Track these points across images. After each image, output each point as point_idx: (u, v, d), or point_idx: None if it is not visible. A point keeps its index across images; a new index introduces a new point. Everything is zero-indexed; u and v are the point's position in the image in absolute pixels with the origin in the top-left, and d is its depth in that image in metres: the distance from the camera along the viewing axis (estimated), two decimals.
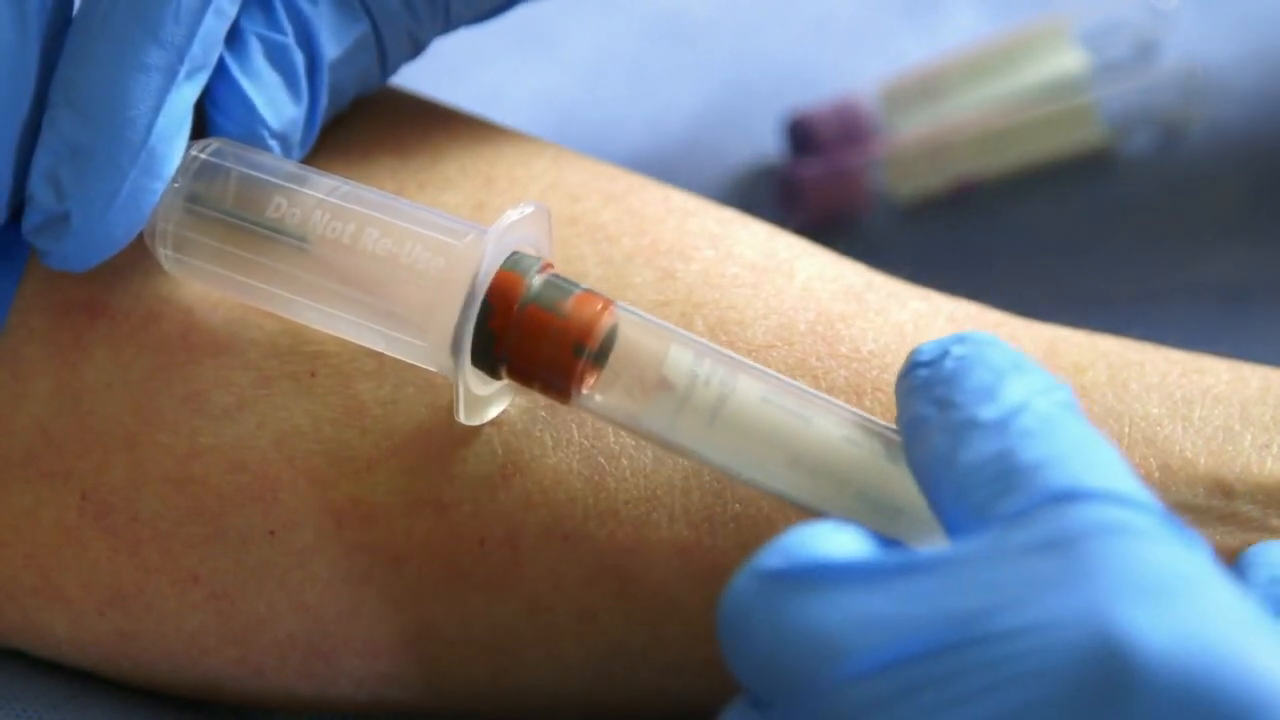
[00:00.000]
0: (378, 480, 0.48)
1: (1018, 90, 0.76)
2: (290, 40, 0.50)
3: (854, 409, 0.44)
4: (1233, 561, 0.47)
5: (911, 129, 0.76)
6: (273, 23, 0.49)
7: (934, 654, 0.36)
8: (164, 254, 0.48)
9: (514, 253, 0.46)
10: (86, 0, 0.47)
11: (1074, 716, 0.35)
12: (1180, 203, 0.75)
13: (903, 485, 0.43)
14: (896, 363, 0.49)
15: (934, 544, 0.41)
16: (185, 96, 0.47)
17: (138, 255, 0.49)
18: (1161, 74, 0.77)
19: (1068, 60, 0.77)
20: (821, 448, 0.44)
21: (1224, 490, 0.48)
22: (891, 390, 0.47)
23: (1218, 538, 0.48)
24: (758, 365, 0.45)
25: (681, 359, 0.45)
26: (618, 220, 0.52)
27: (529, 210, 0.47)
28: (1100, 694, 0.35)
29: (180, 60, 0.47)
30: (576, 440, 0.48)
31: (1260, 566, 0.45)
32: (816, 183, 0.75)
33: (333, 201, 0.47)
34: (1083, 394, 0.50)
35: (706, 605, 0.48)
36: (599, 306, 0.46)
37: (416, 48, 0.53)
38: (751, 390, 0.44)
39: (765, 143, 0.78)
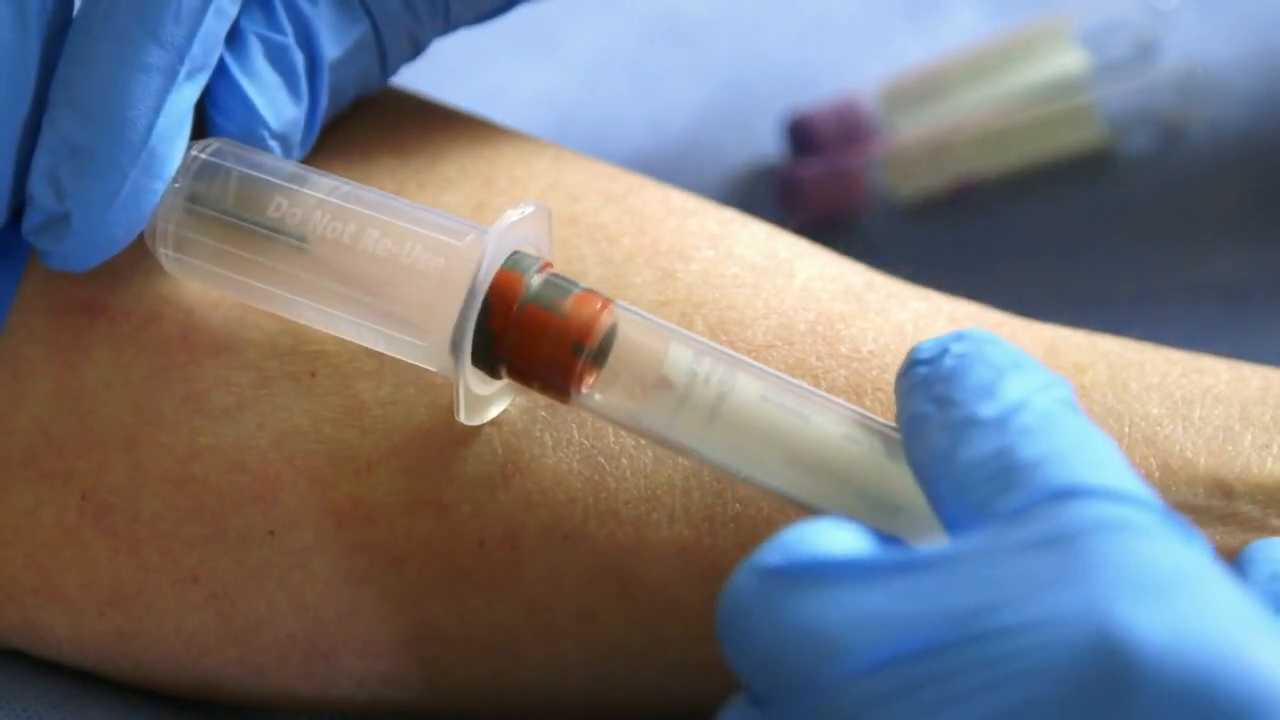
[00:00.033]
0: (378, 480, 0.48)
1: (1018, 90, 0.76)
2: (290, 40, 0.50)
3: (853, 407, 0.45)
4: (1233, 560, 0.47)
5: (911, 129, 0.76)
6: (273, 23, 0.49)
7: (933, 651, 0.36)
8: (164, 254, 0.48)
9: (514, 252, 0.46)
10: (87, 0, 0.47)
11: (1074, 713, 0.35)
12: (1180, 203, 0.75)
13: (902, 483, 0.43)
14: (896, 362, 0.49)
15: (933, 542, 0.41)
16: (185, 96, 0.48)
17: (138, 255, 0.49)
18: (1161, 74, 0.77)
19: (1068, 60, 0.77)
20: (821, 446, 0.44)
21: (1224, 490, 0.48)
22: (892, 390, 0.47)
23: (1218, 538, 0.48)
24: (757, 364, 0.45)
25: (681, 357, 0.45)
26: (618, 220, 0.52)
27: (529, 210, 0.47)
28: (1100, 691, 0.35)
29: (180, 60, 0.47)
30: (576, 440, 0.48)
31: (1260, 563, 0.45)
32: (816, 183, 0.75)
33: (333, 201, 0.47)
34: (1083, 394, 0.50)
35: (707, 605, 0.48)
36: (598, 305, 0.46)
37: (417, 48, 0.53)
38: (751, 388, 0.44)
39: (765, 143, 0.78)
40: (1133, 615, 0.35)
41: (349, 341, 0.48)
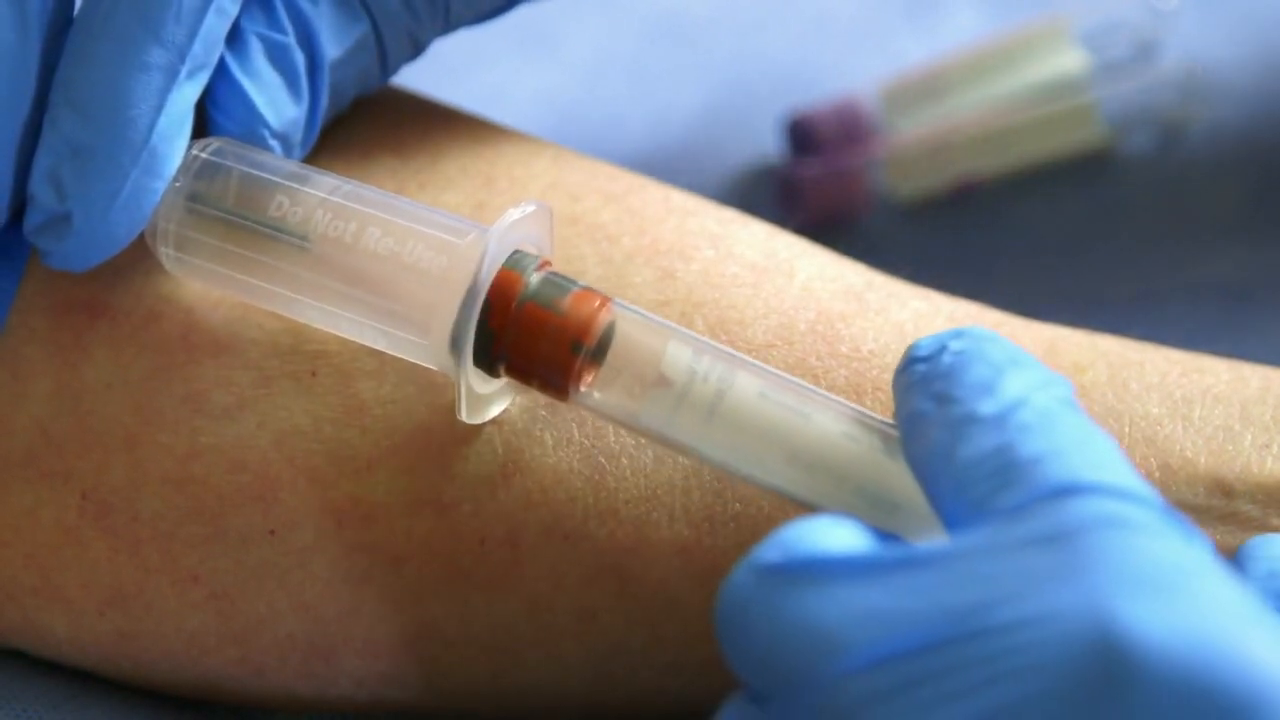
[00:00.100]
0: (378, 480, 0.48)
1: (1018, 90, 0.76)
2: (291, 40, 0.50)
3: (852, 405, 0.45)
4: (1231, 558, 0.47)
5: (911, 129, 0.76)
6: (273, 23, 0.49)
7: (932, 648, 0.36)
8: (165, 253, 0.48)
9: (514, 251, 0.46)
10: (88, 0, 0.47)
11: (1073, 709, 0.35)
12: (1180, 203, 0.75)
13: (901, 480, 0.43)
14: (896, 362, 0.49)
15: (932, 539, 0.41)
16: (186, 96, 0.48)
17: (138, 255, 0.49)
18: (1161, 74, 0.77)
19: (1068, 60, 0.77)
20: (819, 443, 0.44)
21: (1224, 490, 0.48)
22: (892, 389, 0.47)
23: (1218, 537, 0.48)
24: (755, 361, 0.45)
25: (680, 355, 0.45)
26: (618, 220, 0.52)
27: (531, 209, 0.47)
28: (1099, 687, 0.35)
29: (181, 60, 0.47)
30: (577, 439, 0.48)
31: (1258, 560, 0.46)
32: (816, 183, 0.75)
33: (334, 200, 0.47)
34: (1083, 393, 0.50)
35: (707, 605, 0.48)
36: (596, 304, 0.46)
37: (417, 48, 0.53)
38: (749, 386, 0.44)
39: (765, 143, 0.78)
40: (1132, 611, 0.35)
41: (349, 341, 0.48)
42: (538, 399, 0.48)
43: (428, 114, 0.56)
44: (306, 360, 0.49)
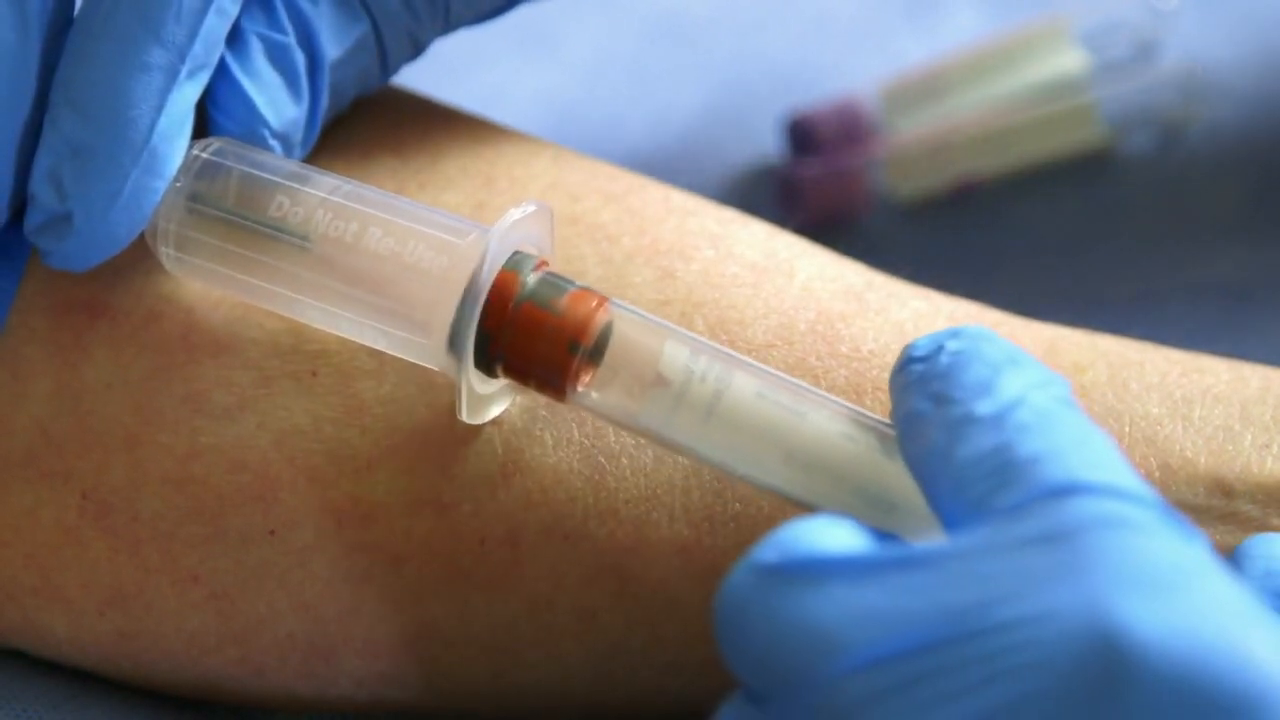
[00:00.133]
0: (378, 479, 0.48)
1: (1018, 90, 0.76)
2: (291, 40, 0.50)
3: (849, 404, 0.45)
4: (1229, 557, 0.47)
5: (911, 129, 0.76)
6: (274, 23, 0.49)
7: (931, 648, 0.36)
8: (165, 253, 0.48)
9: (513, 252, 0.47)
10: (88, 0, 0.47)
11: (1071, 708, 0.35)
12: (1180, 203, 0.75)
13: (899, 480, 0.43)
14: None
15: (930, 539, 0.41)
16: (187, 96, 0.48)
17: (139, 255, 0.49)
18: (1161, 74, 0.77)
19: (1068, 60, 0.77)
20: (817, 443, 0.44)
21: (1224, 490, 0.48)
22: None
23: (1217, 537, 0.48)
24: (753, 361, 0.45)
25: (677, 355, 0.45)
26: (618, 220, 0.52)
27: (531, 209, 0.47)
28: (1098, 686, 0.35)
29: (182, 60, 0.47)
30: (577, 439, 0.48)
31: (1256, 559, 0.45)
32: (816, 183, 0.75)
33: (335, 200, 0.47)
34: (1083, 393, 0.50)
35: (706, 604, 0.48)
36: (594, 304, 0.46)
37: (417, 48, 0.53)
38: (747, 386, 0.44)
39: (765, 143, 0.78)
40: (1130, 610, 0.35)
41: (350, 340, 0.48)
42: (537, 399, 0.48)
43: (428, 114, 0.56)
44: (307, 360, 0.49)
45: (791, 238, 0.54)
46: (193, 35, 0.47)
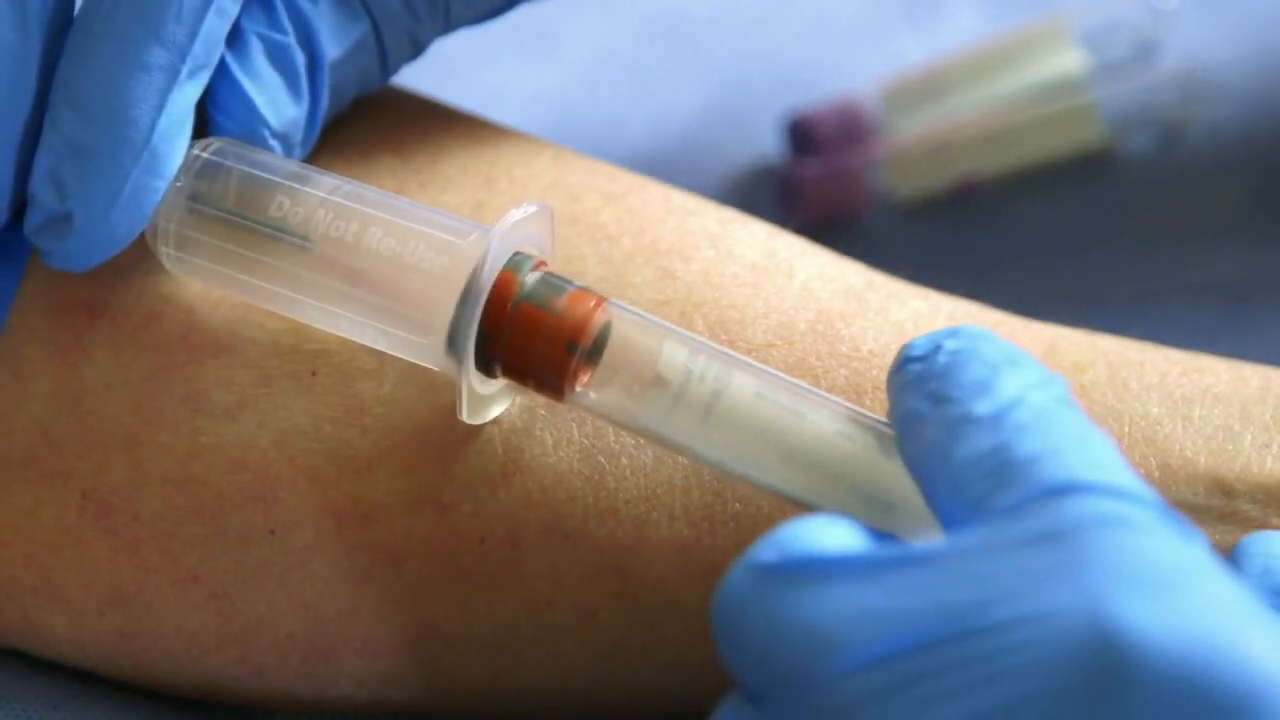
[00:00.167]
0: (378, 479, 0.48)
1: (1018, 90, 0.76)
2: (291, 40, 0.50)
3: (846, 403, 0.45)
4: (1228, 556, 0.47)
5: (911, 129, 0.76)
6: (274, 23, 0.49)
7: (929, 647, 0.36)
8: (166, 253, 0.48)
9: (514, 252, 0.47)
10: (88, 0, 0.47)
11: (1070, 708, 0.35)
12: (1180, 203, 0.75)
13: (897, 479, 0.43)
14: None
15: (929, 538, 0.41)
16: (187, 96, 0.48)
17: (139, 255, 0.49)
18: (1161, 74, 0.77)
19: (1068, 60, 0.77)
20: (816, 442, 0.44)
21: (1224, 489, 0.48)
22: None
23: (1217, 536, 0.48)
24: (751, 361, 0.45)
25: (676, 355, 0.45)
26: (618, 220, 0.52)
27: (533, 209, 0.47)
28: (1097, 685, 0.35)
29: (182, 60, 0.47)
30: (577, 439, 0.49)
31: (1254, 557, 0.45)
32: (816, 183, 0.75)
33: (335, 200, 0.47)
34: (1083, 393, 0.50)
35: (706, 604, 0.47)
36: (592, 304, 0.46)
37: (417, 48, 0.53)
38: (746, 386, 0.44)
39: (765, 143, 0.78)
40: (1129, 610, 0.35)
41: (350, 340, 0.48)
42: (537, 399, 0.48)
43: (428, 114, 0.56)
44: (307, 360, 0.49)
45: (791, 238, 0.54)
46: (193, 35, 0.47)
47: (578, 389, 0.46)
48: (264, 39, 0.49)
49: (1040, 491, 0.38)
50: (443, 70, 0.65)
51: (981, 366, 0.42)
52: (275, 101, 0.49)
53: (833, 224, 0.75)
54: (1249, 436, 0.49)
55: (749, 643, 0.39)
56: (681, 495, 0.48)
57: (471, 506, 0.48)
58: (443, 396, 0.48)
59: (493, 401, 0.48)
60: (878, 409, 0.49)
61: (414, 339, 0.46)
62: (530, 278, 0.46)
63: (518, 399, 0.49)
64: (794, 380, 0.45)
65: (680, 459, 0.48)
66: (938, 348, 0.43)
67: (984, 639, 0.36)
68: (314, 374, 0.49)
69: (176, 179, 0.48)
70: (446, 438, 0.48)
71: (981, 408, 0.41)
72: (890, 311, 0.51)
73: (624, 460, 0.48)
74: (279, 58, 0.50)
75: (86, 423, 0.49)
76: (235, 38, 0.49)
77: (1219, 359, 0.52)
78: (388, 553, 0.48)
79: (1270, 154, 0.76)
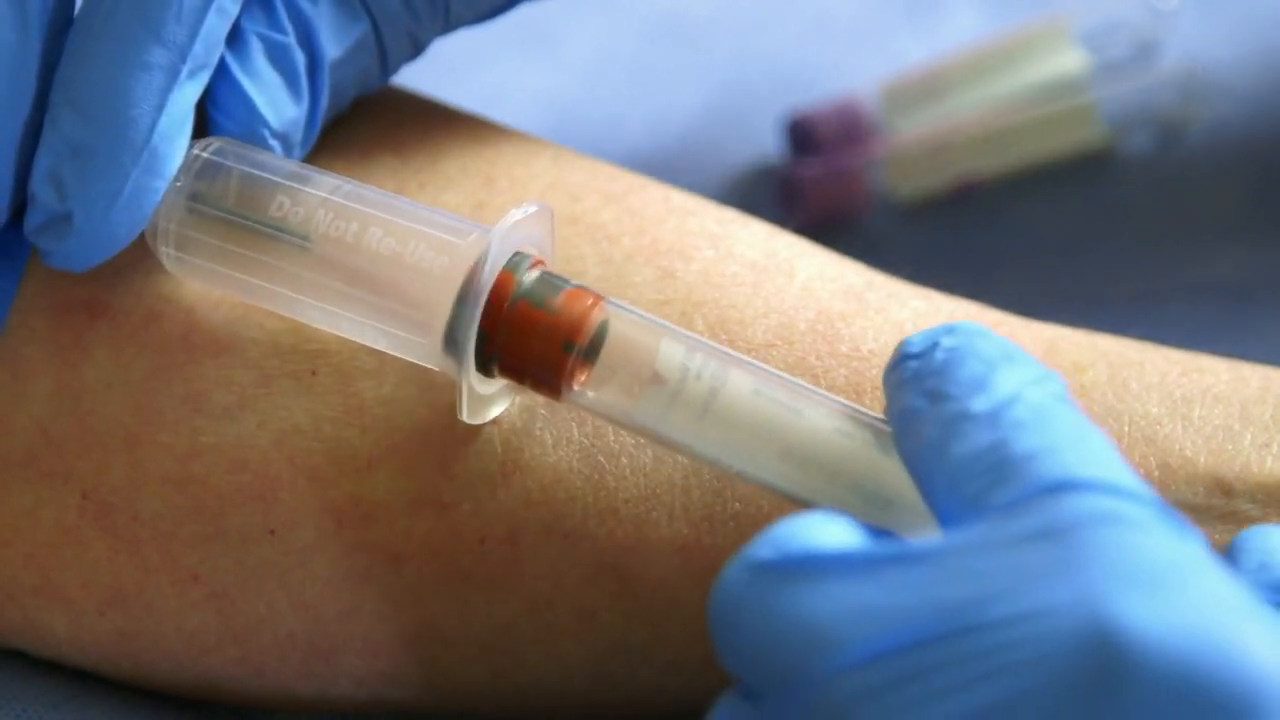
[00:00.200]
0: (378, 479, 0.48)
1: (1018, 90, 0.76)
2: (291, 40, 0.50)
3: (845, 401, 0.44)
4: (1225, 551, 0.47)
5: (911, 129, 0.76)
6: (274, 23, 0.49)
7: (927, 644, 0.36)
8: (166, 253, 0.48)
9: (514, 252, 0.47)
10: (88, 0, 0.47)
11: (1068, 704, 0.35)
12: (1180, 203, 0.75)
13: (894, 476, 0.43)
14: None
15: (926, 535, 0.41)
16: (187, 95, 0.48)
17: (139, 254, 0.49)
18: (1161, 74, 0.77)
19: (1068, 60, 0.77)
20: (813, 440, 0.43)
21: (1223, 489, 0.48)
22: None
23: (1217, 536, 0.48)
24: (749, 359, 0.45)
25: (673, 353, 0.45)
26: (618, 220, 0.52)
27: (533, 210, 0.47)
28: (1095, 682, 0.35)
29: (182, 59, 0.47)
30: (576, 439, 0.49)
31: (1250, 552, 0.45)
32: (816, 183, 0.75)
33: (336, 200, 0.47)
34: (1083, 393, 0.50)
35: (706, 603, 0.48)
36: (589, 302, 0.46)
37: (417, 48, 0.53)
38: (743, 384, 0.44)
39: (765, 143, 0.78)
40: (1127, 607, 0.35)
41: (350, 340, 0.48)
42: (537, 398, 0.49)
43: (428, 114, 0.56)
44: (307, 360, 0.49)
45: (791, 238, 0.54)
46: (193, 35, 0.47)
47: (575, 387, 0.46)
48: (264, 39, 0.49)
49: (1038, 488, 0.38)
50: (443, 70, 0.66)
51: (978, 363, 0.42)
52: (275, 101, 0.49)
53: (833, 224, 0.75)
54: (1249, 436, 0.49)
55: (745, 639, 0.39)
56: (681, 495, 0.48)
57: (471, 506, 0.48)
58: (443, 396, 0.48)
59: (493, 401, 0.48)
60: (877, 408, 0.49)
61: (414, 339, 0.46)
62: (527, 277, 0.46)
63: (517, 399, 0.49)
64: (791, 378, 0.45)
65: (680, 459, 0.48)
66: (934, 344, 0.43)
67: (982, 636, 0.36)
68: (314, 374, 0.49)
69: (176, 179, 0.48)
70: (446, 438, 0.48)
71: (978, 404, 0.41)
72: (890, 311, 0.51)
73: (624, 460, 0.48)
74: (279, 58, 0.50)
75: (86, 423, 0.49)
76: (235, 38, 0.49)
77: (1219, 359, 0.52)
78: (388, 553, 0.48)
79: (1270, 154, 0.76)
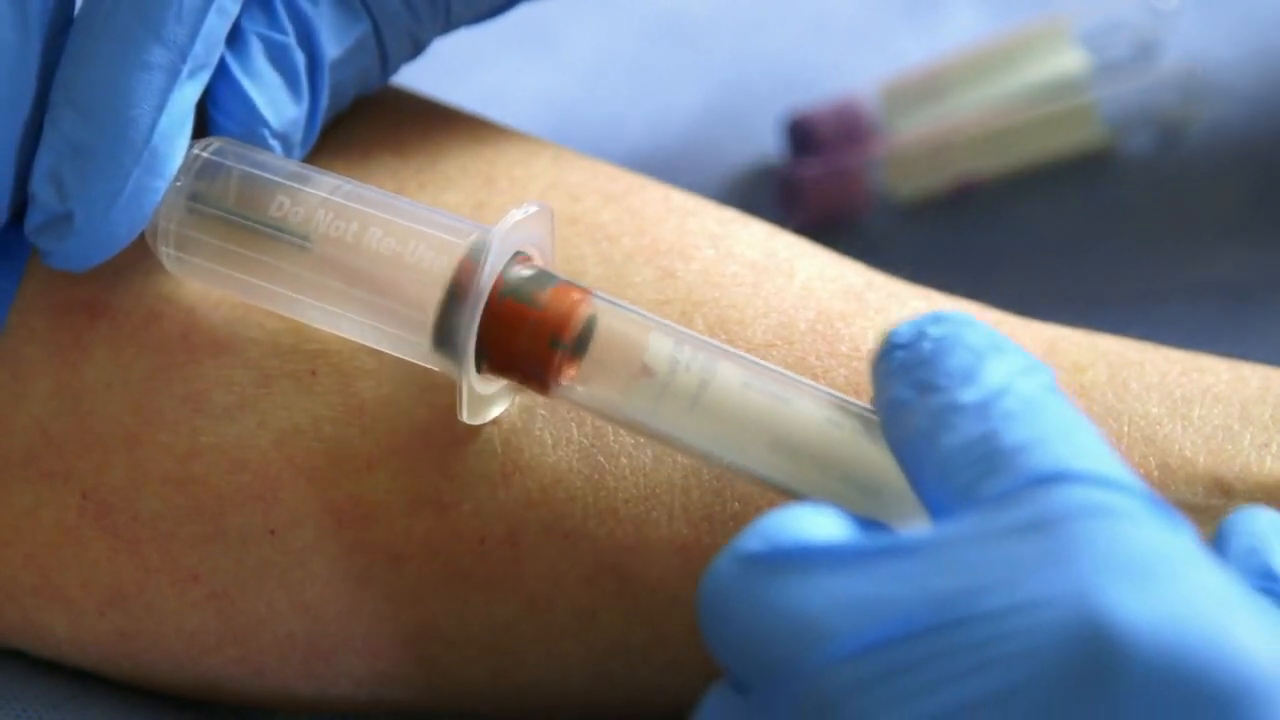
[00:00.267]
0: (378, 479, 0.48)
1: (1018, 90, 0.76)
2: (291, 40, 0.50)
3: (835, 392, 0.44)
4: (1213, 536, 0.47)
5: (911, 129, 0.76)
6: (274, 22, 0.49)
7: (917, 636, 0.36)
8: (166, 253, 0.48)
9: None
10: (88, 0, 0.47)
11: (1059, 696, 0.35)
12: (1180, 203, 0.75)
13: (884, 465, 0.43)
14: None
15: (917, 524, 0.41)
16: (187, 95, 0.48)
17: (139, 254, 0.49)
18: (1161, 74, 0.77)
19: (1068, 60, 0.77)
20: (804, 431, 0.43)
21: (1223, 489, 0.48)
22: None
23: None
24: (737, 350, 0.45)
25: (662, 346, 0.45)
26: (618, 220, 0.52)
27: (533, 210, 0.47)
28: (1086, 674, 0.35)
29: (182, 59, 0.47)
30: (576, 439, 0.49)
31: (1239, 535, 0.45)
32: (816, 183, 0.75)
33: (335, 200, 0.47)
34: (1082, 393, 0.50)
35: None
36: (575, 297, 0.46)
37: (417, 48, 0.53)
38: (732, 375, 0.44)
39: (765, 143, 0.78)
40: (1117, 599, 0.35)
41: (350, 340, 0.48)
42: (537, 399, 0.49)
43: (428, 114, 0.56)
44: (307, 360, 0.49)
45: (791, 238, 0.54)
46: (193, 35, 0.47)
47: (564, 382, 0.45)
48: (264, 39, 0.49)
49: (1028, 480, 0.38)
50: (443, 70, 0.66)
51: (966, 353, 0.41)
52: (275, 101, 0.49)
53: (833, 224, 0.75)
54: (1248, 436, 0.49)
55: (735, 631, 0.39)
56: (681, 495, 0.48)
57: (471, 506, 0.48)
58: (442, 396, 0.48)
59: (493, 402, 0.48)
60: None
61: (413, 339, 0.46)
62: (513, 273, 0.46)
63: (517, 399, 0.49)
64: (781, 369, 0.45)
65: (680, 458, 0.48)
66: (922, 334, 0.42)
67: (972, 628, 0.36)
68: (314, 374, 0.49)
69: (177, 179, 0.48)
70: (446, 438, 0.48)
71: (967, 395, 0.40)
72: (890, 311, 0.51)
73: (623, 460, 0.48)
74: (279, 58, 0.50)
75: (86, 423, 0.49)
76: (235, 38, 0.49)
77: (1219, 359, 0.52)
78: (388, 552, 0.48)
79: (1270, 154, 0.76)
